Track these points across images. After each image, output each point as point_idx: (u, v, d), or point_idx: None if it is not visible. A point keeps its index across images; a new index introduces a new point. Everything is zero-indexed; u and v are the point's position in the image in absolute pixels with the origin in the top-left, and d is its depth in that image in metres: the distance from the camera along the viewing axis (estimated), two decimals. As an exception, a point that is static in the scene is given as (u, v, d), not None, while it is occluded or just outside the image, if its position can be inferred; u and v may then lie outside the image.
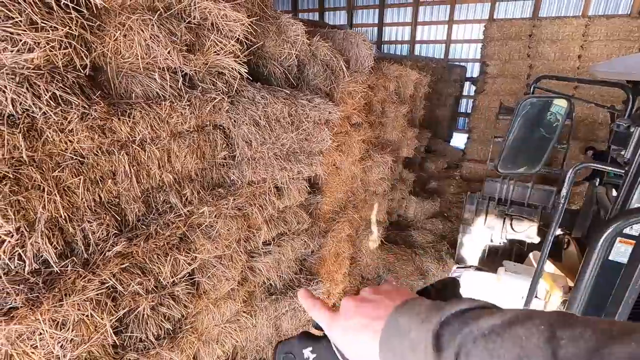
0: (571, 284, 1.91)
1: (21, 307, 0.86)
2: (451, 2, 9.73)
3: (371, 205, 4.34)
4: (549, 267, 2.31)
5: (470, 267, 3.09)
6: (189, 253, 1.37)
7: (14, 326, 0.84)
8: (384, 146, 4.10)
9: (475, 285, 2.67)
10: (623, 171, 0.98)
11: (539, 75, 1.81)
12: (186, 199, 1.39)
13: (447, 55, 10.22)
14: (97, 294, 1.03)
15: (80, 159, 1.02)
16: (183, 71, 1.32)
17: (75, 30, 0.95)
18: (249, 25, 1.48)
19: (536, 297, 1.90)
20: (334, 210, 3.08)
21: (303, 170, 2.05)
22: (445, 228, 5.80)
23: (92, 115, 0.99)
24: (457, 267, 3.09)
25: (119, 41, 1.10)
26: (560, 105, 1.23)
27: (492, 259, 4.19)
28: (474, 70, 9.82)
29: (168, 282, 1.31)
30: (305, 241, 2.36)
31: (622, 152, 1.00)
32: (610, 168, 1.16)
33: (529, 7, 9.10)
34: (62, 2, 0.90)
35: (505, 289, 2.21)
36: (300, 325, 2.43)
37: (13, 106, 0.85)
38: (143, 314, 1.24)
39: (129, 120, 1.10)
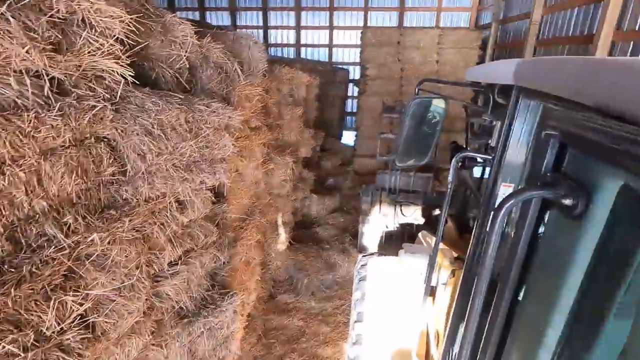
0: (455, 254, 2.24)
1: None
2: (330, 10, 10.38)
3: (276, 208, 4.35)
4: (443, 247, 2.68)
5: (373, 254, 3.36)
6: (78, 291, 1.15)
7: None
8: (283, 148, 4.14)
9: (381, 270, 2.92)
10: (491, 157, 1.20)
11: (421, 79, 2.07)
12: (68, 228, 1.15)
13: (331, 58, 10.87)
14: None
15: None
16: (49, 75, 1.10)
17: None
18: (130, 22, 1.32)
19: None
20: (240, 218, 2.97)
21: (206, 180, 1.92)
22: (346, 221, 6.18)
23: None
24: (362, 256, 3.33)
25: (-49, 36, 0.85)
26: (439, 105, 1.45)
27: (389, 243, 4.65)
28: (355, 72, 10.66)
29: (54, 332, 1.07)
30: (214, 254, 2.22)
31: (489, 142, 1.23)
32: (484, 156, 1.41)
33: (395, 17, 10.31)
34: None
35: (406, 269, 2.47)
36: (217, 344, 2.29)
37: None
38: (22, 379, 0.99)
39: (-23, 138, 0.86)
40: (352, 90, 10.61)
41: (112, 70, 1.30)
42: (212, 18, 11.12)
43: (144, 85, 1.57)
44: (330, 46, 10.78)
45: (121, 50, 1.32)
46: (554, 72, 0.73)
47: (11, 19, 0.95)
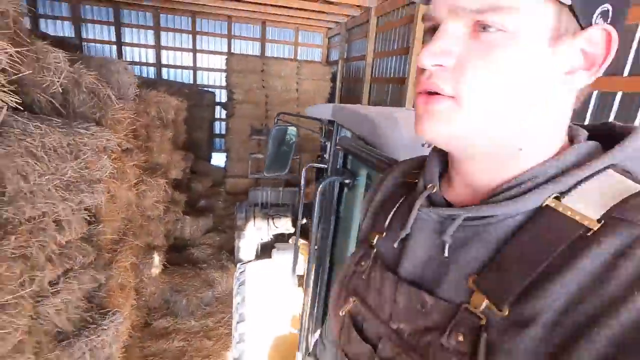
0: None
1: None
2: (192, 33, 10.46)
3: (149, 231, 4.26)
4: (304, 242, 3.26)
5: (250, 261, 3.72)
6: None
7: None
8: (154, 170, 4.15)
9: (258, 271, 3.31)
10: (326, 165, 1.81)
11: (278, 112, 2.64)
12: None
13: (196, 80, 10.87)
14: None
15: None
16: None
17: None
18: (13, 54, 1.45)
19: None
20: (114, 240, 2.94)
21: (86, 200, 2.01)
22: (221, 239, 6.33)
23: None
24: (240, 264, 3.65)
25: None
26: (292, 130, 2.00)
27: (264, 252, 5.08)
28: (222, 96, 10.93)
29: (-51, 345, 1.13)
30: (92, 275, 2.25)
31: (325, 155, 1.84)
32: (320, 165, 2.00)
33: (257, 47, 11.10)
34: None
35: (279, 264, 2.95)
36: (100, 366, 2.27)
37: None
38: None
39: None
40: (220, 112, 10.81)
41: (-5, 97, 1.41)
42: (49, 27, 9.72)
43: (21, 110, 1.63)
44: (194, 69, 10.79)
45: (4, 78, 1.43)
46: (346, 115, 1.34)
47: None
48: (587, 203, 0.39)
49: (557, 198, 0.40)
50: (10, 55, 1.42)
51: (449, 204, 0.51)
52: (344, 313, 0.55)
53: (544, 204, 0.41)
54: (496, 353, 0.37)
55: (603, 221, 0.37)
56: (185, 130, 6.19)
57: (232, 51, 10.84)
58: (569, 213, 0.38)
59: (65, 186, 1.82)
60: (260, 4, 8.26)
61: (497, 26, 0.37)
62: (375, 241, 0.58)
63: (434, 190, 0.51)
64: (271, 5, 8.27)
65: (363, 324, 0.53)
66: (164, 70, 10.69)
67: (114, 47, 10.15)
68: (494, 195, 0.44)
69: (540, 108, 0.42)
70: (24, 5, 1.73)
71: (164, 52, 10.54)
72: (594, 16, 0.38)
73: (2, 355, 1.44)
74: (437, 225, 0.49)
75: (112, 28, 10.08)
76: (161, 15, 10.19)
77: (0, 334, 1.37)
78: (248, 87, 9.10)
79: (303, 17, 9.42)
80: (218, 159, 10.31)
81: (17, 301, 1.47)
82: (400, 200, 0.59)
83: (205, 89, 10.57)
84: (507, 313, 0.38)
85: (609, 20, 0.39)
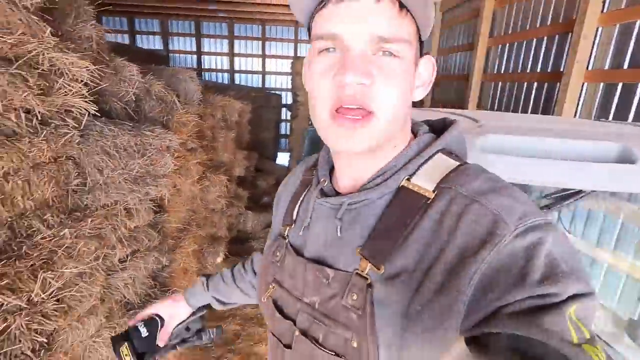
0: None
1: None
2: (262, 40, 11.13)
3: (212, 223, 4.70)
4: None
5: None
6: (54, 272, 1.54)
7: None
8: (218, 167, 4.57)
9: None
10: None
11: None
12: (48, 224, 1.52)
13: (264, 84, 11.54)
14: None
15: (-50, 193, 1.12)
16: (37, 111, 1.51)
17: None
18: (94, 70, 1.77)
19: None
20: (179, 229, 3.34)
21: (150, 192, 2.34)
22: (280, 234, 6.65)
23: (-38, 153, 1.13)
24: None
25: (-22, 87, 1.25)
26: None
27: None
28: (288, 98, 11.42)
29: (39, 300, 1.45)
30: (156, 257, 2.59)
31: None
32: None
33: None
34: None
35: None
36: (160, 336, 2.61)
37: None
38: (17, 332, 1.35)
39: (-5, 156, 1.25)
40: (286, 114, 11.32)
41: (79, 106, 1.74)
42: (144, 42, 11.17)
43: (101, 115, 1.98)
44: (263, 73, 11.47)
45: (86, 90, 1.76)
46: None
47: (15, 73, 1.38)
48: (426, 180, 0.53)
49: (408, 179, 0.54)
50: (91, 71, 1.74)
51: (338, 194, 0.61)
52: (265, 299, 0.66)
53: (401, 185, 0.54)
54: (379, 302, 0.49)
55: (435, 191, 0.51)
56: (249, 131, 6.65)
57: (299, 55, 11.26)
58: (416, 189, 0.52)
59: (133, 179, 2.15)
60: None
61: (396, 53, 0.49)
62: (286, 232, 0.67)
63: (326, 184, 0.62)
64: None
65: (282, 305, 0.64)
66: (237, 76, 11.53)
67: (195, 56, 11.29)
68: (368, 184, 0.56)
69: (409, 112, 0.57)
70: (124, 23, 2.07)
71: (236, 59, 11.38)
72: (423, 49, 0.56)
73: (79, 315, 1.77)
74: (331, 212, 0.59)
75: (194, 39, 11.22)
76: (235, 25, 11.03)
77: (78, 298, 1.70)
78: (311, 89, 9.39)
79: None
80: (283, 159, 10.81)
81: (91, 272, 1.80)
82: (303, 195, 0.68)
83: (273, 92, 11.17)
84: (383, 270, 0.50)
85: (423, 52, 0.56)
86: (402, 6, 0.48)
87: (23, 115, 1.43)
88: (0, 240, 1.32)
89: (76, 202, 1.77)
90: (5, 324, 1.29)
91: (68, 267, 1.62)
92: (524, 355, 0.37)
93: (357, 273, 0.52)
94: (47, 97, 1.53)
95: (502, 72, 5.09)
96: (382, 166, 0.57)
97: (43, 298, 1.48)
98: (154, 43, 11.28)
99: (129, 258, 2.24)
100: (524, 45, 4.52)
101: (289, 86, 10.51)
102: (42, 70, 1.52)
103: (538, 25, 4.24)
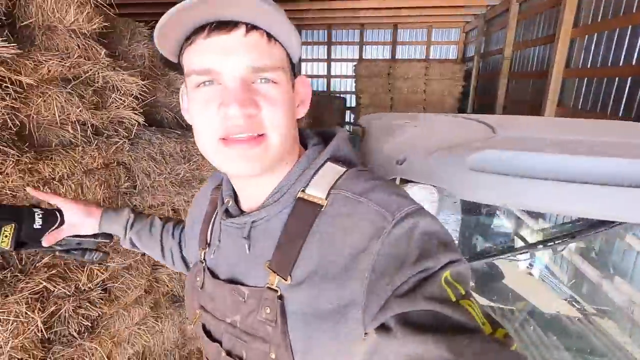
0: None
1: (-24, 303, 1.17)
2: (328, 44, 11.29)
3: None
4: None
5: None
6: (101, 264, 1.74)
7: (-28, 317, 1.14)
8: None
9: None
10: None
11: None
12: (97, 221, 1.75)
13: (329, 88, 11.69)
14: (30, 294, 1.35)
15: (13, 194, 1.35)
16: (91, 123, 1.73)
17: (9, 101, 1.32)
18: (144, 85, 1.97)
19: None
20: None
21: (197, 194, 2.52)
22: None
23: (23, 161, 1.35)
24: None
25: (40, 105, 1.48)
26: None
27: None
28: (352, 101, 11.42)
29: (86, 288, 1.65)
30: (203, 254, 2.78)
31: None
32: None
33: (388, 50, 11.14)
34: (2, 84, 1.28)
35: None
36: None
37: (-34, 158, 1.19)
38: (66, 315, 1.56)
39: (51, 163, 1.47)
40: (350, 117, 11.34)
41: (130, 117, 1.94)
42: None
43: (151, 125, 2.20)
44: (328, 77, 11.62)
45: (136, 103, 1.96)
46: (370, 123, 1.32)
47: (72, 92, 1.60)
48: (318, 188, 0.55)
49: (303, 190, 0.56)
50: (141, 86, 1.93)
51: (243, 212, 0.62)
52: (195, 326, 0.68)
53: (297, 197, 0.56)
54: (289, 312, 0.52)
55: (328, 198, 0.54)
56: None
57: (364, 57, 11.19)
58: (310, 198, 0.55)
59: (180, 183, 2.34)
60: (392, 8, 8.31)
61: (273, 79, 0.51)
62: (203, 256, 0.68)
63: (230, 204, 0.63)
64: (404, 7, 8.22)
65: (210, 329, 0.65)
66: (303, 80, 11.86)
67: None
68: (267, 200, 0.58)
69: (296, 129, 0.59)
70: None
71: (303, 64, 11.71)
72: (296, 69, 0.58)
73: (126, 304, 1.98)
74: (237, 231, 0.60)
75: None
76: (302, 31, 11.36)
77: (124, 288, 1.90)
78: (374, 91, 9.25)
79: (438, 15, 8.98)
80: (345, 161, 10.79)
81: (137, 266, 2.00)
82: (214, 216, 0.69)
83: (337, 95, 11.26)
84: (289, 281, 0.52)
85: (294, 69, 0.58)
86: (269, 36, 0.51)
87: (79, 127, 1.64)
88: (55, 235, 1.56)
89: (125, 203, 1.99)
90: (55, 307, 1.50)
91: (115, 261, 1.83)
92: (418, 328, 0.42)
93: (268, 287, 0.54)
94: (100, 111, 1.75)
95: (587, 66, 4.43)
96: (278, 182, 0.59)
97: (90, 287, 1.69)
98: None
99: (175, 254, 2.44)
100: (616, 34, 3.87)
101: (353, 89, 10.49)
102: (96, 87, 1.73)
103: (634, 10, 3.59)
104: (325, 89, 11.60)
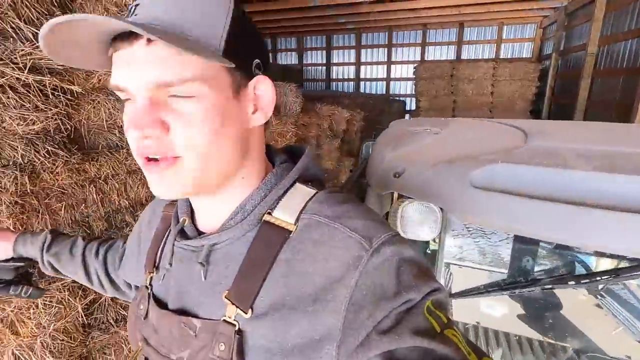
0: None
1: (24, 287, 1.33)
2: (388, 46, 11.05)
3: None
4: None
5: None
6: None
7: (19, 300, 1.29)
8: (320, 174, 4.75)
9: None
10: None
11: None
12: (138, 218, 1.88)
13: (388, 91, 11.42)
14: (73, 282, 1.49)
15: (63, 191, 1.51)
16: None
17: (62, 108, 1.48)
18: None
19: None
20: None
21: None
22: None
23: (72, 162, 1.50)
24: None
25: (90, 111, 1.64)
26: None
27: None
28: (412, 104, 11.03)
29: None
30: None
31: None
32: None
33: (453, 51, 10.56)
34: (55, 93, 1.44)
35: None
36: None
37: (22, 158, 1.35)
38: (105, 303, 1.70)
39: (97, 164, 1.62)
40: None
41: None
42: (282, 58, 12.58)
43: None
44: (387, 80, 11.37)
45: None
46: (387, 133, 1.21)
47: (118, 98, 1.73)
48: (287, 212, 0.50)
49: (269, 213, 0.51)
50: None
51: (201, 234, 0.55)
52: (136, 358, 0.59)
53: (263, 220, 0.50)
54: (249, 347, 0.47)
55: (297, 223, 0.49)
56: (360, 138, 6.67)
57: (426, 58, 10.74)
58: (277, 222, 0.49)
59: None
60: (457, 5, 7.86)
61: (187, 94, 0.43)
62: (149, 281, 0.60)
63: (186, 223, 0.55)
64: (470, 4, 7.72)
65: None
66: (361, 84, 11.77)
67: (324, 67, 12.06)
68: (229, 221, 0.52)
69: (244, 143, 0.50)
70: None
71: (362, 68, 11.62)
72: (253, 69, 0.49)
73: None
74: (192, 255, 0.53)
75: (324, 52, 11.99)
76: (362, 34, 11.28)
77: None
78: (434, 94, 8.82)
79: (510, 10, 8.27)
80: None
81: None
82: (165, 236, 0.61)
83: (397, 98, 10.96)
84: (249, 314, 0.47)
85: (262, 70, 0.50)
86: None
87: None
88: (98, 229, 1.70)
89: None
90: (96, 295, 1.63)
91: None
92: None
93: (224, 320, 0.48)
94: (144, 116, 1.87)
95: (694, 61, 3.71)
96: (240, 201, 0.52)
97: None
98: (291, 59, 12.55)
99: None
100: None
101: (413, 92, 10.12)
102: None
103: None
104: (384, 92, 11.35)
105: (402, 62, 11.11)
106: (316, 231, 0.48)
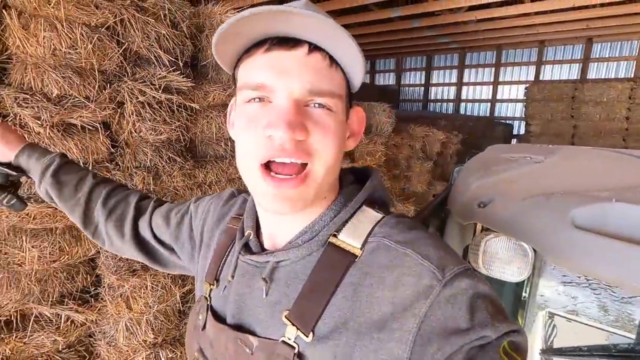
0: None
1: (139, 270, 1.58)
2: (496, 66, 10.26)
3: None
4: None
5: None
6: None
7: (135, 280, 1.55)
8: (408, 196, 4.59)
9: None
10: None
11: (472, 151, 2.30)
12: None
13: (493, 113, 10.53)
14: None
15: (176, 192, 1.77)
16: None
17: (183, 122, 1.75)
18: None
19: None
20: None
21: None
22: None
23: (185, 167, 1.76)
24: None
25: (204, 125, 1.90)
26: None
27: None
28: (520, 127, 9.97)
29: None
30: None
31: None
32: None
33: (576, 69, 9.27)
34: (179, 109, 1.72)
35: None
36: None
37: (150, 162, 1.63)
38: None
39: (204, 170, 1.86)
40: (515, 145, 9.91)
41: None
42: (380, 79, 12.70)
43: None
44: (492, 101, 10.52)
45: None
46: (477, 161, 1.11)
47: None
48: (353, 235, 0.49)
49: (335, 235, 0.50)
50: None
51: (264, 250, 0.54)
52: None
53: (329, 241, 0.50)
54: None
55: (363, 247, 0.48)
56: (455, 162, 6.26)
57: (542, 78, 9.64)
58: (343, 245, 0.49)
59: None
60: (583, 20, 6.92)
61: (328, 106, 0.47)
62: (209, 293, 0.60)
63: (250, 238, 0.55)
64: (601, 17, 6.72)
65: None
66: (462, 105, 11.12)
67: (422, 88, 11.76)
68: (296, 240, 0.51)
69: (339, 165, 0.51)
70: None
71: (464, 88, 11.00)
72: (351, 100, 0.53)
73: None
74: (256, 270, 0.53)
75: (424, 73, 11.72)
76: (467, 54, 10.72)
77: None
78: (549, 117, 7.83)
79: (655, 21, 6.93)
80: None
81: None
82: (229, 249, 0.60)
83: (501, 121, 10.05)
84: (311, 338, 0.46)
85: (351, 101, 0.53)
86: (332, 59, 0.47)
87: (230, 144, 2.01)
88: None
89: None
90: (192, 285, 1.85)
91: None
92: None
93: (283, 341, 0.47)
94: (246, 131, 2.09)
95: None
96: (310, 221, 0.52)
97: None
98: (389, 79, 12.58)
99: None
100: None
101: (523, 114, 9.14)
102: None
103: None
104: (487, 114, 10.51)
105: (511, 83, 10.18)
106: (385, 256, 0.46)
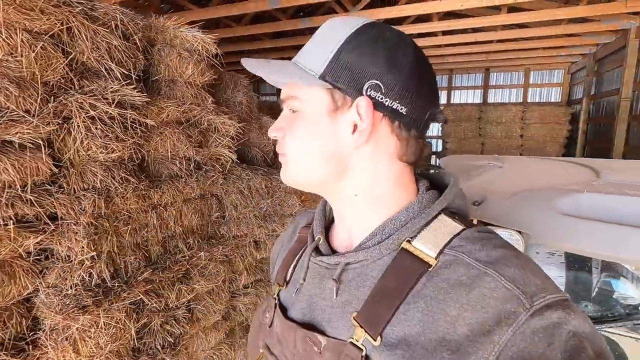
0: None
1: (90, 305, 1.38)
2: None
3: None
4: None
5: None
6: (188, 285, 1.91)
7: (85, 317, 1.35)
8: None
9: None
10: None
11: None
12: (189, 245, 1.95)
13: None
14: (130, 304, 1.54)
15: (129, 215, 1.61)
16: (194, 159, 2.00)
17: (137, 139, 1.62)
18: (239, 127, 2.22)
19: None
20: (305, 266, 3.61)
21: (277, 229, 2.65)
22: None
23: (139, 188, 1.62)
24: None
25: (158, 143, 1.78)
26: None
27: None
28: (438, 145, 11.07)
29: (173, 306, 1.82)
30: (278, 289, 2.86)
31: None
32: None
33: (479, 95, 10.70)
34: (133, 125, 1.59)
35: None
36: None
37: (100, 183, 1.47)
38: (154, 328, 1.73)
39: (160, 191, 1.73)
40: (436, 162, 10.96)
41: (225, 155, 2.18)
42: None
43: (243, 162, 2.44)
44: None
45: (232, 143, 2.21)
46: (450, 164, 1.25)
47: (182, 132, 1.87)
48: (428, 244, 0.48)
49: (409, 241, 0.49)
50: (237, 128, 2.19)
51: (335, 252, 0.57)
52: None
53: (401, 247, 0.49)
54: None
55: (438, 258, 0.47)
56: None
57: (452, 102, 10.91)
58: (417, 253, 0.48)
59: (262, 216, 2.51)
60: (483, 52, 8.09)
61: (294, 109, 0.54)
62: (278, 293, 0.63)
63: (320, 241, 0.58)
64: (497, 51, 7.93)
65: None
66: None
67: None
68: (367, 242, 0.52)
69: (339, 160, 0.52)
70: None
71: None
72: (364, 90, 0.49)
73: (205, 327, 2.11)
74: (326, 272, 0.55)
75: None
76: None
77: (205, 311, 2.04)
78: (462, 136, 8.87)
79: (536, 57, 8.42)
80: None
81: (218, 291, 2.15)
82: (300, 253, 0.64)
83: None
84: (379, 342, 0.45)
85: (382, 90, 0.49)
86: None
87: (184, 162, 1.91)
88: (155, 254, 1.78)
89: (214, 231, 2.19)
90: (147, 319, 1.67)
91: (200, 284, 1.99)
92: None
93: (351, 342, 0.47)
94: (202, 149, 2.01)
95: None
96: (379, 223, 0.53)
97: (177, 305, 1.86)
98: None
99: (252, 285, 2.55)
100: None
101: (440, 134, 10.20)
102: (202, 128, 2.02)
103: None
104: (410, 134, 11.44)
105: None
106: (462, 272, 0.44)
